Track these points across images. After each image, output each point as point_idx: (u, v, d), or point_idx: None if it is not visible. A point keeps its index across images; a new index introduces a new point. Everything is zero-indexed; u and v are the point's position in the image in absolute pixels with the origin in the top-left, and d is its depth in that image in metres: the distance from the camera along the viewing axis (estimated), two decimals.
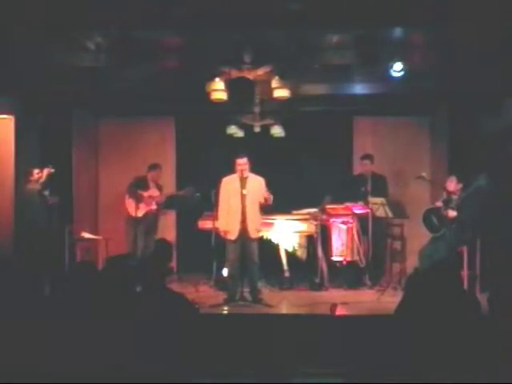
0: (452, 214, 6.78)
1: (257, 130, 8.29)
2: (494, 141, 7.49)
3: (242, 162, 6.61)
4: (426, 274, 3.40)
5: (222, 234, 6.73)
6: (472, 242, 6.87)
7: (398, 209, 7.35)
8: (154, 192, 7.95)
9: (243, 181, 6.59)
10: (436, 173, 8.59)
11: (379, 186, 7.84)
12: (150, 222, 7.93)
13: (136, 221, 7.77)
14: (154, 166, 8.05)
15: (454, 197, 6.92)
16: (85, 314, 3.36)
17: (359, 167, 8.43)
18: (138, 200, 7.75)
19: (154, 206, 7.91)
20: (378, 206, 7.36)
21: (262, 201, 6.65)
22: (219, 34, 6.35)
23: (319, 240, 7.60)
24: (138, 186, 7.83)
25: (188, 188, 7.88)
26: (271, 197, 6.63)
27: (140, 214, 7.76)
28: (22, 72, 6.64)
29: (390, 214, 7.35)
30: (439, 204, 7.02)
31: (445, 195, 7.05)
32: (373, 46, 6.36)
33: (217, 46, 6.63)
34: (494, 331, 2.91)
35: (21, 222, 7.18)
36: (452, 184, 6.99)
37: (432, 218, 7.02)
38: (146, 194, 7.83)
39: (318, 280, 7.55)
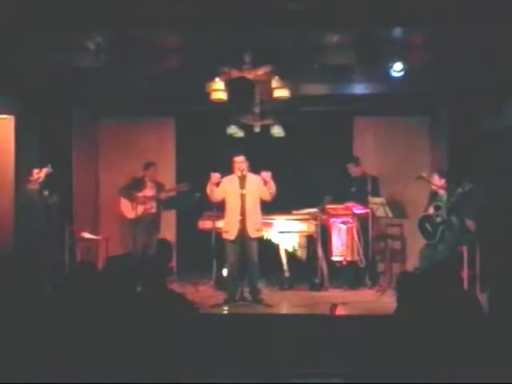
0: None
1: (257, 130, 8.27)
2: (493, 141, 7.49)
3: (239, 160, 6.62)
4: (425, 274, 3.40)
5: (224, 234, 6.73)
6: (471, 243, 6.87)
7: (398, 209, 7.34)
8: (148, 192, 7.88)
9: (242, 180, 6.58)
10: None
11: (371, 186, 7.78)
12: (149, 221, 7.87)
13: (133, 221, 7.76)
14: (149, 165, 8.00)
15: (441, 192, 6.94)
16: (85, 313, 3.36)
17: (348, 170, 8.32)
18: (133, 201, 7.75)
19: (149, 206, 7.88)
20: (378, 206, 7.35)
21: (266, 198, 6.65)
22: (219, 33, 6.35)
23: (319, 240, 7.59)
24: (134, 187, 7.81)
25: (182, 184, 7.93)
26: (273, 189, 6.60)
27: (136, 214, 7.71)
28: (21, 72, 6.64)
29: (390, 214, 7.34)
30: (431, 211, 7.02)
31: (433, 188, 7.05)
32: (373, 45, 6.35)
33: (217, 46, 6.62)
34: (494, 331, 2.91)
35: (21, 222, 7.18)
36: (436, 179, 7.03)
37: (426, 226, 7.00)
38: (140, 194, 7.78)
39: (318, 280, 7.54)
